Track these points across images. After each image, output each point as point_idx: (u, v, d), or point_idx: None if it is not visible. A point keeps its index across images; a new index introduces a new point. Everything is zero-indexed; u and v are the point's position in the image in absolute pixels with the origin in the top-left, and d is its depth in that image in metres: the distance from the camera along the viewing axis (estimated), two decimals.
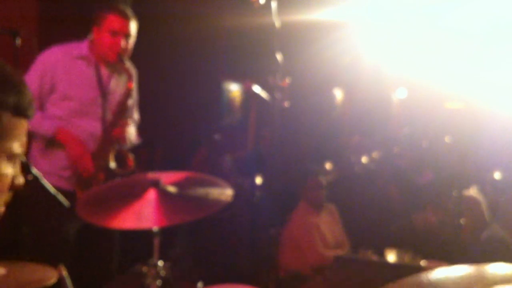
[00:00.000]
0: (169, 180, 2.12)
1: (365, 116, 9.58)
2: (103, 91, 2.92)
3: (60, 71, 2.85)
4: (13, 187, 1.07)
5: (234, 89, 7.93)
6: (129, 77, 2.92)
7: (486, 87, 7.49)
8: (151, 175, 2.10)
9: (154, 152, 5.54)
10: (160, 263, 2.12)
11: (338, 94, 10.86)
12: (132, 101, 3.08)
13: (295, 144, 7.54)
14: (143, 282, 2.10)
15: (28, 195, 2.50)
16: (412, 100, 10.87)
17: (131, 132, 3.05)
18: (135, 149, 5.21)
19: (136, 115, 3.19)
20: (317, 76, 7.94)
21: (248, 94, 7.50)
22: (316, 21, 5.97)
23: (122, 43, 2.85)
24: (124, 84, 2.96)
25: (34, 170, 2.11)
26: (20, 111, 1.01)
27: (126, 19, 2.86)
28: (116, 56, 2.86)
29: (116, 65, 2.94)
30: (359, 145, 7.64)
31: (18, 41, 2.86)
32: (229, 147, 6.72)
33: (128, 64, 2.92)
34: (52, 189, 2.31)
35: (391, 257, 3.91)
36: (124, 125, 2.92)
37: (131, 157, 2.97)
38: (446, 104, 10.60)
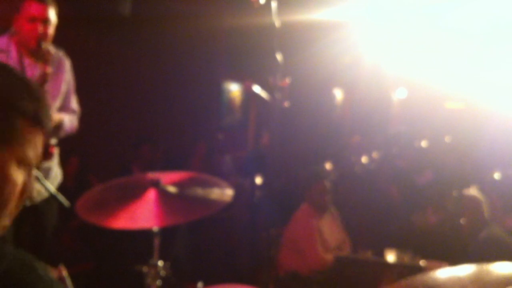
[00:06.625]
0: (169, 180, 2.12)
1: (365, 116, 9.59)
2: None
3: None
4: (22, 198, 1.02)
5: (234, 89, 7.93)
6: (46, 62, 2.85)
7: (486, 87, 7.50)
8: (151, 175, 2.10)
9: (155, 151, 5.54)
10: (160, 263, 2.12)
11: (338, 94, 10.87)
12: (66, 88, 3.03)
13: (295, 144, 7.54)
14: (143, 282, 2.10)
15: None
16: (412, 100, 10.87)
17: (66, 120, 2.98)
18: (136, 149, 5.23)
19: (74, 105, 3.11)
20: (317, 76, 7.94)
21: (248, 94, 7.50)
22: (316, 21, 5.97)
23: (40, 28, 2.81)
24: (55, 71, 2.92)
25: (35, 171, 2.11)
26: (38, 120, 0.98)
27: (44, 4, 2.82)
28: (36, 42, 2.81)
29: (39, 53, 2.87)
30: (359, 145, 7.64)
31: None
32: (229, 147, 6.73)
33: (51, 50, 2.87)
34: (52, 189, 2.31)
35: (391, 257, 3.91)
36: None
37: (52, 146, 2.90)
38: (446, 104, 10.62)
